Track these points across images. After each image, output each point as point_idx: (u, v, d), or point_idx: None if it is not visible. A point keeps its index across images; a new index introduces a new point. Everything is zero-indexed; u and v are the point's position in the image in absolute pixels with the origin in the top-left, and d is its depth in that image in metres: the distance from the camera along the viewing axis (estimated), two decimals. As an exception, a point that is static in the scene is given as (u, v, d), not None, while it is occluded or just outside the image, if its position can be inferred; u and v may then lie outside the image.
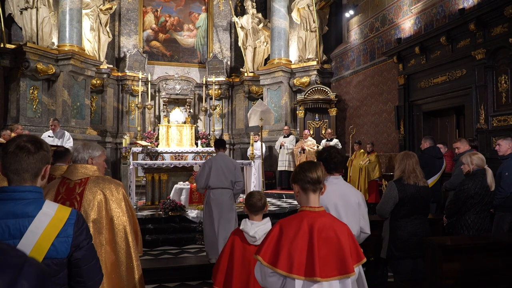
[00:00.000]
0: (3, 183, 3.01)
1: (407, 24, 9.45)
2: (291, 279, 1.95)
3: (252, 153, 10.52)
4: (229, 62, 14.56)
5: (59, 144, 7.82)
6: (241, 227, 2.89)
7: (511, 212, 4.59)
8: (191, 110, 13.85)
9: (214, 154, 11.66)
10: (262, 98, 12.90)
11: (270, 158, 12.18)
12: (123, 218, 2.47)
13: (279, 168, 11.15)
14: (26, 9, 10.30)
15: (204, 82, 13.77)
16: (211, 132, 13.68)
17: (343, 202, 2.87)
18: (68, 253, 1.61)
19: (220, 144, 5.84)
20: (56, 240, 1.57)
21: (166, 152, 12.37)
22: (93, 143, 2.74)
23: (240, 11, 14.32)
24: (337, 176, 2.99)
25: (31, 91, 10.30)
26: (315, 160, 2.89)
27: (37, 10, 10.35)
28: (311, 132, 11.88)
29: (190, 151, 12.53)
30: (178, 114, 13.54)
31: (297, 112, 12.40)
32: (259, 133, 10.56)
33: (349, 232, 2.12)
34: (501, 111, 6.76)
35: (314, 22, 12.14)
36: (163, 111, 13.61)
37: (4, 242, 1.06)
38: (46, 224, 1.56)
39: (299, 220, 2.05)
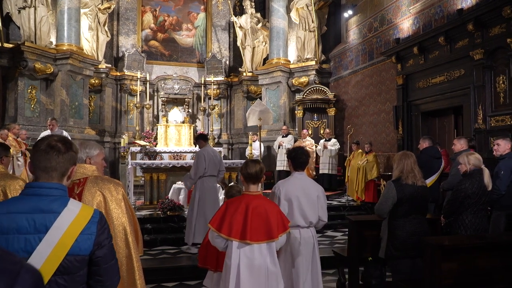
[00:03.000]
0: (7, 183, 3.02)
1: (405, 24, 9.46)
2: (230, 241, 2.77)
3: (251, 153, 10.52)
4: (227, 62, 14.55)
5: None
6: None
7: (507, 211, 4.61)
8: (190, 110, 13.84)
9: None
10: (260, 98, 12.89)
11: (268, 158, 12.18)
12: (122, 218, 2.45)
13: (277, 168, 11.14)
14: (24, 8, 10.27)
15: (202, 81, 13.76)
16: (209, 132, 13.67)
17: (304, 194, 3.40)
18: (90, 251, 1.63)
19: (205, 137, 6.63)
20: (79, 237, 1.59)
21: (165, 152, 12.37)
22: (90, 142, 2.71)
23: (239, 10, 14.31)
24: (301, 173, 3.53)
25: (29, 90, 10.29)
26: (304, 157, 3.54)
27: (35, 9, 10.33)
28: (310, 132, 11.89)
29: (188, 151, 12.52)
30: (176, 114, 13.53)
31: (296, 112, 12.40)
32: (258, 133, 10.56)
33: (278, 211, 2.95)
34: (499, 111, 6.77)
35: (312, 22, 12.15)
36: (162, 111, 13.60)
37: (1, 248, 1.05)
38: (71, 220, 1.58)
39: (240, 200, 2.88)
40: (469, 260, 3.26)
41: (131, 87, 13.24)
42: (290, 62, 12.79)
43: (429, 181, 5.67)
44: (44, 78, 10.60)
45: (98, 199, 2.40)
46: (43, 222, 1.54)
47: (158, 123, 13.47)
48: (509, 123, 6.51)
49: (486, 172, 3.81)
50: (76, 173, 2.44)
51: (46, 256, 1.51)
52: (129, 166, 8.56)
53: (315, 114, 12.27)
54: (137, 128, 13.06)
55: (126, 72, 13.08)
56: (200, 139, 6.49)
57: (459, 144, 5.38)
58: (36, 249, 1.51)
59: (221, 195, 7.73)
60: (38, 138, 1.73)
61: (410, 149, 8.66)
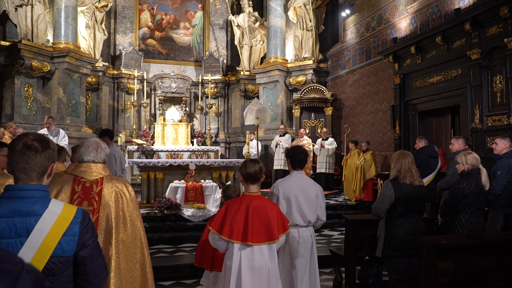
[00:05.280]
0: (6, 181, 3.01)
1: (403, 24, 9.47)
2: (231, 243, 2.76)
3: (248, 152, 10.50)
4: (225, 61, 14.54)
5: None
6: None
7: (504, 211, 4.63)
8: (187, 109, 13.82)
9: (211, 152, 11.58)
10: (258, 97, 12.89)
11: (265, 157, 12.18)
12: (137, 216, 2.48)
13: (274, 167, 11.14)
14: (21, 6, 10.22)
15: (200, 80, 13.74)
16: (207, 131, 13.66)
17: (302, 193, 3.40)
18: (74, 251, 1.61)
19: (112, 134, 6.11)
20: (62, 239, 1.57)
21: (162, 151, 12.35)
22: (99, 140, 2.67)
23: (237, 9, 14.30)
24: (299, 171, 3.53)
25: (26, 88, 10.24)
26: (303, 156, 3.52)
27: (32, 7, 10.28)
28: (307, 131, 11.88)
29: (186, 150, 12.51)
30: (174, 113, 13.51)
31: (293, 111, 12.40)
32: (255, 132, 10.55)
33: (278, 211, 2.92)
34: (495, 111, 6.79)
35: (310, 21, 12.15)
36: (159, 110, 13.58)
37: (1, 248, 1.05)
38: (52, 222, 1.56)
39: (240, 201, 2.86)
40: (465, 259, 3.27)
41: (128, 85, 13.21)
42: (287, 61, 12.78)
43: (426, 181, 5.68)
44: (41, 76, 10.55)
45: (115, 198, 2.41)
46: (24, 225, 1.52)
47: (155, 121, 13.44)
48: (505, 122, 6.53)
49: (484, 172, 3.81)
50: (93, 172, 2.43)
51: (29, 259, 1.49)
52: (126, 165, 8.53)
53: (313, 113, 12.28)
54: (134, 126, 13.03)
55: (123, 71, 13.05)
56: (106, 135, 5.81)
57: (457, 144, 5.39)
58: (18, 253, 1.49)
59: (218, 194, 7.72)
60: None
61: (407, 148, 8.69)
